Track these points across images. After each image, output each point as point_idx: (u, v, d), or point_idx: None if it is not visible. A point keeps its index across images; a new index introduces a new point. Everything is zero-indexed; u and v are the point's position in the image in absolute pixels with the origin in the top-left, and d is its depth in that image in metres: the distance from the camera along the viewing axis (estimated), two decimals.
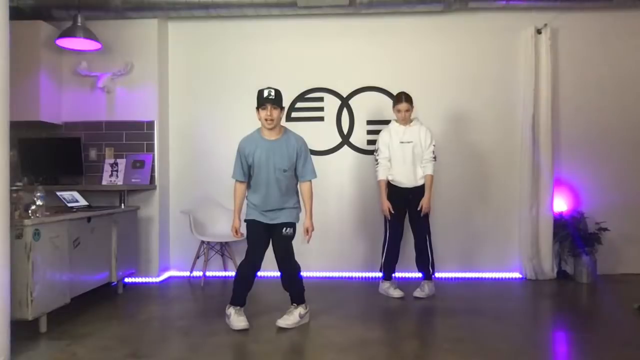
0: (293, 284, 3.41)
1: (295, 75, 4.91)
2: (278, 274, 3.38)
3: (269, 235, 3.36)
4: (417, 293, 4.06)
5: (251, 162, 3.27)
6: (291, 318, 3.33)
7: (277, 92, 3.22)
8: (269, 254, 3.32)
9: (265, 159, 3.24)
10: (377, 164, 4.11)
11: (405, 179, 4.02)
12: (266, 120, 3.20)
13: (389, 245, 4.12)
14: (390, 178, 4.06)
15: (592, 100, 4.85)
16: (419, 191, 4.05)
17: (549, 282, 4.61)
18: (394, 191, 4.06)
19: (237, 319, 3.27)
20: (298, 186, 3.44)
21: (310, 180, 3.38)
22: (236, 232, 3.38)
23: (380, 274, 4.25)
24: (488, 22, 4.86)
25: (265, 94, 3.19)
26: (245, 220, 3.37)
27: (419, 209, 4.03)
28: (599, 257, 4.59)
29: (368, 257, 4.86)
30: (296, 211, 3.40)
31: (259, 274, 3.34)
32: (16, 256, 2.96)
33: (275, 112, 3.20)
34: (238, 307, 3.32)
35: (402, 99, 4.02)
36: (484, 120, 4.87)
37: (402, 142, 4.03)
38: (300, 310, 3.38)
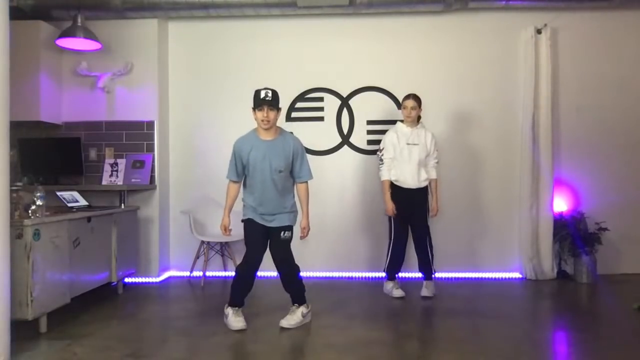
0: (293, 285, 3.40)
1: (295, 75, 4.91)
2: (278, 274, 3.38)
3: (267, 236, 3.34)
4: (425, 292, 4.07)
5: (246, 162, 3.26)
6: (294, 318, 3.34)
7: (274, 93, 3.20)
8: (268, 255, 3.32)
9: (261, 159, 3.23)
10: (382, 163, 4.09)
11: (410, 180, 4.02)
12: (262, 121, 3.19)
13: (395, 247, 4.12)
14: (394, 179, 4.06)
15: (592, 100, 4.85)
16: (421, 193, 4.07)
17: (549, 282, 4.61)
18: (397, 192, 4.06)
19: (235, 320, 3.27)
20: (294, 187, 3.42)
21: (306, 181, 3.38)
22: (225, 229, 3.36)
23: (383, 274, 4.25)
24: (488, 22, 4.85)
25: (262, 94, 3.18)
26: (243, 220, 3.36)
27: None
28: (599, 257, 4.59)
29: (368, 257, 4.86)
30: (294, 214, 3.38)
31: (259, 274, 3.34)
32: (16, 256, 2.96)
33: (272, 114, 3.19)
34: (236, 308, 3.32)
35: (409, 96, 4.08)
36: (484, 120, 4.87)
37: (408, 144, 4.04)
38: (302, 309, 3.38)
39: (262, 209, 3.28)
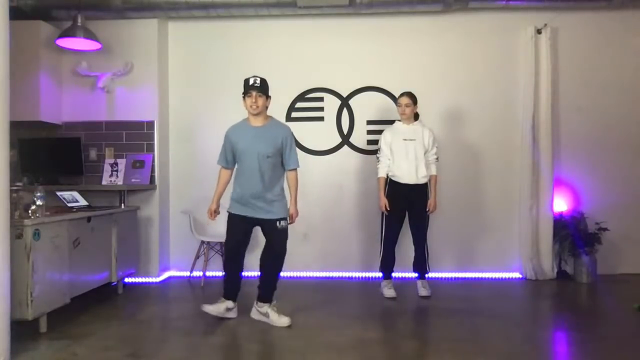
0: (273, 283, 3.42)
1: (295, 75, 4.91)
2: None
3: (249, 230, 3.40)
4: (423, 292, 4.07)
5: (235, 148, 3.35)
6: (283, 316, 3.37)
7: (263, 80, 3.31)
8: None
9: (250, 144, 3.30)
10: (379, 162, 4.17)
11: (407, 175, 4.03)
12: (251, 106, 3.29)
13: (385, 246, 4.14)
14: (391, 174, 4.08)
15: (592, 100, 4.85)
16: (420, 189, 4.06)
17: (549, 282, 4.61)
18: (394, 188, 4.07)
19: (213, 306, 3.41)
20: (285, 178, 3.46)
21: (295, 169, 3.44)
22: (211, 214, 3.47)
23: (380, 274, 4.25)
24: (488, 22, 4.85)
25: (251, 82, 3.29)
26: (227, 212, 3.42)
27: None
28: (599, 257, 4.59)
29: (368, 257, 4.85)
30: (282, 205, 3.39)
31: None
32: (16, 256, 2.95)
33: (260, 100, 3.28)
34: (231, 302, 3.42)
35: (404, 94, 4.12)
36: (484, 120, 4.87)
37: (405, 140, 4.06)
38: (275, 306, 3.43)
39: (246, 194, 3.31)
